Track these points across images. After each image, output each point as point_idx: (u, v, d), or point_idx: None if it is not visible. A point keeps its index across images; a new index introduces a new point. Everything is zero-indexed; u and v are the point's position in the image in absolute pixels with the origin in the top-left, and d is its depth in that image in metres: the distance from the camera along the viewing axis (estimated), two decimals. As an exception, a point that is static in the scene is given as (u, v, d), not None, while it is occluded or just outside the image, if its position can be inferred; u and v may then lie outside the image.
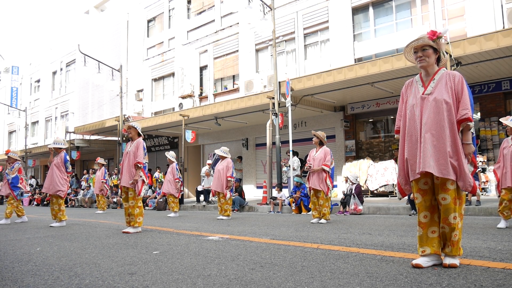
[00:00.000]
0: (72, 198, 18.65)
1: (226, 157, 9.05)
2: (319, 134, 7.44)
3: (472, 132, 2.98)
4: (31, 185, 23.34)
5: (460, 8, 12.10)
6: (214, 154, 19.09)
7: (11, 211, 8.79)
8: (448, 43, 8.68)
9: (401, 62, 9.54)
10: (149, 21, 23.10)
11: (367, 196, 12.11)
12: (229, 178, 8.78)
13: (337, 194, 13.04)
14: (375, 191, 12.17)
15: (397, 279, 2.62)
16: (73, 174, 21.61)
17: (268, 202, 11.63)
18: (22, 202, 9.26)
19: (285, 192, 11.70)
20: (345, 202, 9.44)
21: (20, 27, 73.79)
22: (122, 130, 6.97)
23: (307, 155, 7.77)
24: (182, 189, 10.85)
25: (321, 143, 7.47)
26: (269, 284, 2.60)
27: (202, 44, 19.46)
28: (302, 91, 12.03)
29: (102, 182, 13.24)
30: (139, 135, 6.39)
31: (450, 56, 8.60)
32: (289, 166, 11.95)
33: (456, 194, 2.91)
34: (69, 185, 8.42)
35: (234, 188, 9.60)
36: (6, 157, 9.13)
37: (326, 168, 7.25)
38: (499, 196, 5.91)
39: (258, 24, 12.22)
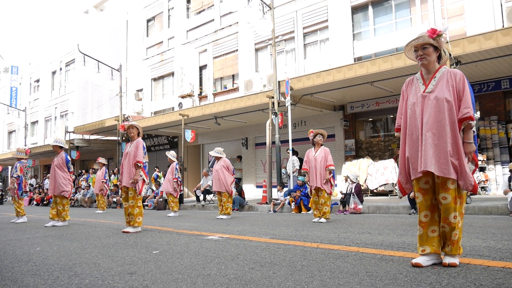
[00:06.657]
0: (71, 197, 18.66)
1: (221, 157, 9.13)
2: (324, 132, 7.41)
3: (473, 131, 2.97)
4: (31, 185, 23.33)
5: (460, 7, 12.09)
6: (213, 154, 19.13)
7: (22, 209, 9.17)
8: (447, 42, 8.67)
9: (401, 61, 9.53)
10: (148, 21, 23.07)
11: (367, 195, 12.11)
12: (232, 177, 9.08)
13: (337, 193, 13.03)
14: (374, 190, 12.17)
15: (396, 278, 2.62)
16: (74, 174, 21.62)
17: (268, 202, 11.63)
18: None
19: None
20: (344, 201, 9.44)
21: (19, 27, 73.76)
22: (119, 127, 6.97)
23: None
24: (181, 188, 10.85)
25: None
26: (269, 284, 2.60)
27: (202, 44, 19.45)
28: (301, 90, 12.02)
29: (103, 182, 13.24)
30: (139, 135, 6.42)
31: (450, 55, 8.60)
32: (287, 170, 12.00)
33: (456, 193, 2.90)
34: (73, 185, 8.46)
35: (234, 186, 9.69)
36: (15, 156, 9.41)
37: (332, 168, 7.24)
38: None
39: (257, 24, 12.20)
